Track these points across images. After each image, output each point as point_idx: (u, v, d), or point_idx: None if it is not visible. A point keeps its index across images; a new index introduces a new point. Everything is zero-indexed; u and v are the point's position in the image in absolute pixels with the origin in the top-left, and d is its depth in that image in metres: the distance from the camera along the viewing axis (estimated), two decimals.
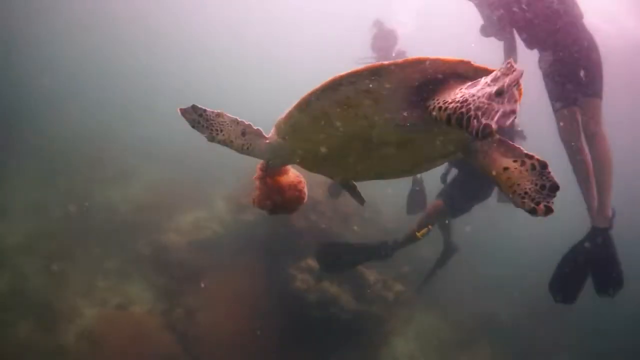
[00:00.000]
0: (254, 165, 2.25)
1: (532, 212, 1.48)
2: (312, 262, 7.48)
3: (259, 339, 6.75)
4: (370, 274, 7.20)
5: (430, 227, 5.62)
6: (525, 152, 1.57)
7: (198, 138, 2.24)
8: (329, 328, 6.83)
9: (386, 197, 8.55)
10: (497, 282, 9.78)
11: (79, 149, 10.08)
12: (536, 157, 1.55)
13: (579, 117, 4.38)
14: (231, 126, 2.17)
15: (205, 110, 2.17)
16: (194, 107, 2.17)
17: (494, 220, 9.29)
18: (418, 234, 5.53)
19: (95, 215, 8.09)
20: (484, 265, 9.89)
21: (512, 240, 12.51)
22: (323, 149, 1.94)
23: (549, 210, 1.45)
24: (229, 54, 23.62)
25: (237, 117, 2.19)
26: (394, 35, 7.74)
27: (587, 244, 4.11)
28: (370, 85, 1.54)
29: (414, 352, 7.60)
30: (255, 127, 2.17)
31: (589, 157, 4.26)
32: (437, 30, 14.79)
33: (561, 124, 4.45)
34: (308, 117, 1.76)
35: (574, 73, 4.45)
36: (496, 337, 8.31)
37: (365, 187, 2.48)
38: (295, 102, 1.75)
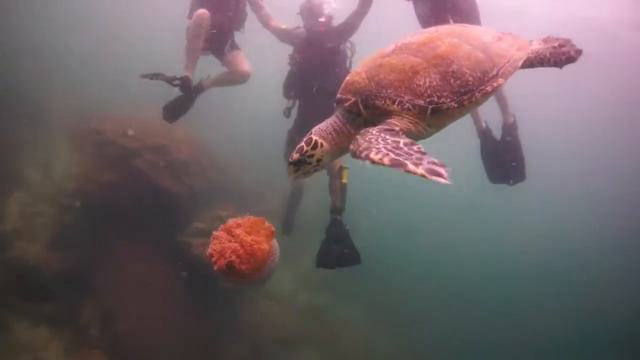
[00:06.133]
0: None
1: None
2: (200, 224, 7.19)
3: (181, 323, 6.56)
4: None
5: (346, 166, 5.20)
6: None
7: None
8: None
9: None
10: None
11: None
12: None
13: None
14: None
15: None
16: None
17: None
18: (344, 180, 5.11)
19: None
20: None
21: None
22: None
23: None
24: None
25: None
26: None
27: (507, 138, 5.01)
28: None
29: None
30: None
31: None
32: None
33: None
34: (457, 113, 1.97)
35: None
36: None
37: None
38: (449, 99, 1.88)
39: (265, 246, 2.68)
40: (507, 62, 2.03)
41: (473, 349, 9.18)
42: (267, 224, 2.69)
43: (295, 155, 1.93)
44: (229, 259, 2.65)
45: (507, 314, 10.58)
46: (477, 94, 1.90)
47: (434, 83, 1.86)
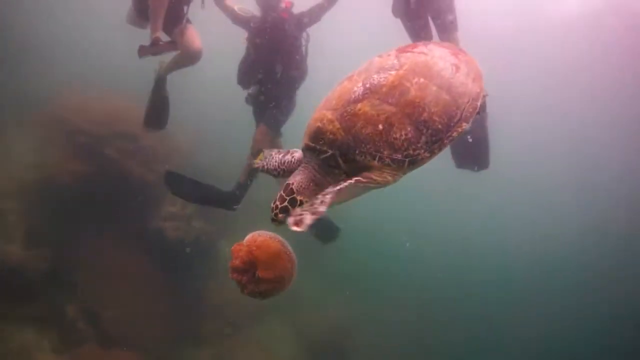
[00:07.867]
0: None
1: None
2: (171, 208, 7.38)
3: (160, 306, 6.88)
4: None
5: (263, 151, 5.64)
6: None
7: None
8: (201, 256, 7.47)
9: None
10: None
11: None
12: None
13: None
14: None
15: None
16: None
17: None
18: (255, 163, 5.49)
19: None
20: None
21: None
22: None
23: None
24: None
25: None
26: None
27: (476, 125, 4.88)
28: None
29: None
30: None
31: None
32: None
33: None
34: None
35: None
36: None
37: None
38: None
39: (287, 266, 2.92)
40: (468, 103, 2.13)
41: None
42: (272, 244, 2.87)
43: (281, 216, 1.94)
44: (270, 295, 3.08)
45: (496, 307, 11.16)
46: (445, 141, 2.03)
47: (409, 135, 1.95)
